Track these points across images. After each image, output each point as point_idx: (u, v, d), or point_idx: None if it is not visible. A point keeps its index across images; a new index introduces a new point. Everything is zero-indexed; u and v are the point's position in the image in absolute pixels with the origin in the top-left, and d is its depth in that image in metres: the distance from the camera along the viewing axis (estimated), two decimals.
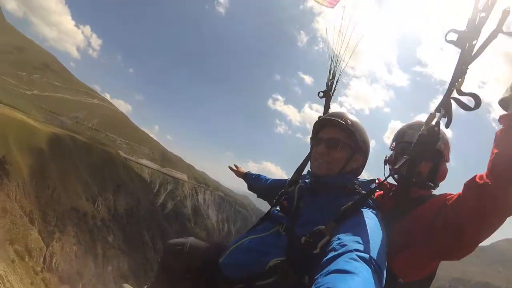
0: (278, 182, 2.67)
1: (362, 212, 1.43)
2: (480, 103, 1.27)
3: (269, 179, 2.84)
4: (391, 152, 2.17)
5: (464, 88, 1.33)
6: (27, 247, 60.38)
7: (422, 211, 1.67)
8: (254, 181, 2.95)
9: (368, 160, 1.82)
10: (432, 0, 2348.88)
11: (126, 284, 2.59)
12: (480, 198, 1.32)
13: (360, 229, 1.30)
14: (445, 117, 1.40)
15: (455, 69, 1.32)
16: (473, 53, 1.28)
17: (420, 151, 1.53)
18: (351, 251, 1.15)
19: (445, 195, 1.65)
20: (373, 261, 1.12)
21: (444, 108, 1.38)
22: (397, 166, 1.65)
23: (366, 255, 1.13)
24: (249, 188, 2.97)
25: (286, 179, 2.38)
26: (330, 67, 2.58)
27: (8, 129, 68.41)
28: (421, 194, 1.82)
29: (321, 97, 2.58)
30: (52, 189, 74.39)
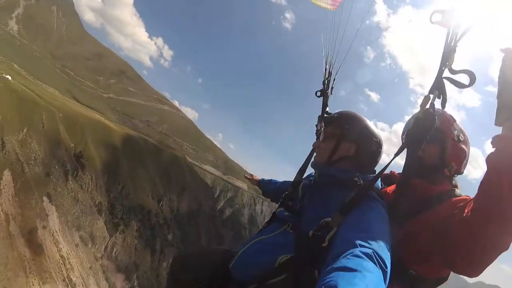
0: (287, 184, 2.59)
1: (366, 203, 1.43)
2: (475, 79, 1.24)
3: (279, 182, 2.86)
4: None
5: (456, 66, 1.30)
6: (91, 234, 65.29)
7: (437, 211, 1.60)
8: (267, 186, 2.96)
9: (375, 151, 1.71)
10: None
11: None
12: (468, 231, 1.31)
13: (364, 223, 1.31)
14: (440, 98, 1.37)
15: (443, 48, 1.30)
16: (459, 33, 1.26)
17: (418, 135, 1.47)
18: (355, 247, 1.14)
19: (461, 200, 1.59)
20: (376, 257, 1.10)
21: (438, 89, 1.35)
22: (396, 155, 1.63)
23: (370, 251, 1.11)
24: (263, 194, 2.99)
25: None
26: (326, 66, 2.58)
27: (86, 127, 76.15)
28: (439, 190, 1.70)
29: (318, 96, 2.56)
30: (122, 185, 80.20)
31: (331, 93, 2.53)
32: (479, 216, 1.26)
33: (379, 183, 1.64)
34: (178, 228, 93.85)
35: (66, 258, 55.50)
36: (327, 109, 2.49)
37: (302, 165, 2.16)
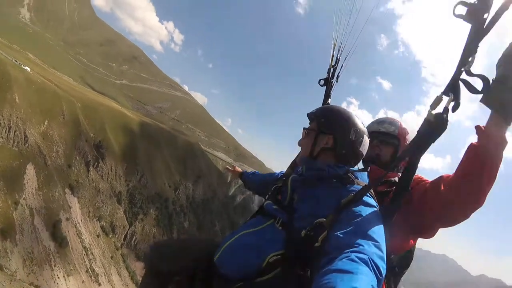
0: (273, 176, 2.47)
1: (363, 204, 1.39)
2: (490, 86, 1.16)
3: (264, 174, 2.71)
4: None
5: (473, 69, 1.18)
6: (112, 224, 65.21)
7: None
8: (250, 179, 2.77)
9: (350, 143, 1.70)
10: None
11: None
12: (433, 199, 1.54)
13: (361, 226, 1.27)
14: (453, 101, 1.24)
15: (464, 47, 1.18)
16: (485, 26, 1.15)
17: (425, 141, 1.36)
18: (350, 252, 1.12)
19: (415, 179, 1.77)
20: (372, 264, 1.08)
21: (453, 92, 1.22)
22: (401, 154, 1.76)
23: (366, 257, 1.09)
24: (246, 187, 2.83)
25: (281, 172, 2.32)
26: (333, 52, 2.43)
27: (105, 116, 75.10)
28: (391, 178, 1.94)
29: (321, 85, 2.43)
30: (140, 174, 79.76)
31: (337, 81, 2.40)
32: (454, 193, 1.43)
33: (365, 176, 1.66)
34: (194, 215, 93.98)
35: (88, 249, 55.45)
36: (329, 100, 2.39)
37: (294, 159, 2.10)
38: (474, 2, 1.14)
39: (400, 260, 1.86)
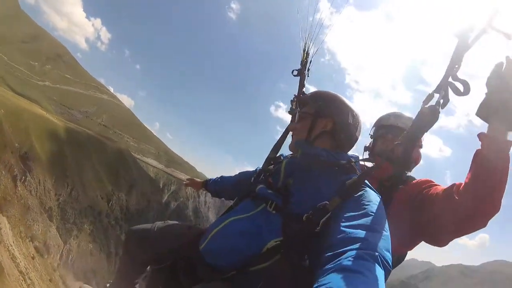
0: (248, 173, 2.26)
1: (366, 190, 1.33)
2: (469, 90, 1.31)
3: (235, 175, 2.46)
4: (370, 140, 2.23)
5: (459, 74, 1.38)
6: (45, 243, 58.24)
7: (403, 192, 1.76)
8: (217, 184, 2.55)
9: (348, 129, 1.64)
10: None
11: (86, 285, 2.24)
12: (454, 212, 1.47)
13: (367, 214, 1.18)
14: (442, 99, 1.39)
15: (452, 56, 1.36)
16: (469, 42, 1.32)
17: (420, 130, 1.46)
18: (358, 248, 1.01)
19: (425, 181, 1.77)
20: (381, 257, 1.00)
21: (444, 90, 1.37)
22: (396, 143, 1.65)
23: (375, 253, 1.00)
24: (213, 195, 2.57)
25: (256, 169, 2.03)
26: (304, 46, 2.49)
27: (31, 124, 66.70)
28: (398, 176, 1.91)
29: (295, 75, 2.48)
30: (71, 186, 72.39)
31: (308, 75, 2.49)
32: (467, 200, 1.41)
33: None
34: (129, 226, 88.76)
35: (25, 273, 48.92)
36: (304, 89, 2.43)
37: (276, 143, 2.04)
38: (463, 21, 1.34)
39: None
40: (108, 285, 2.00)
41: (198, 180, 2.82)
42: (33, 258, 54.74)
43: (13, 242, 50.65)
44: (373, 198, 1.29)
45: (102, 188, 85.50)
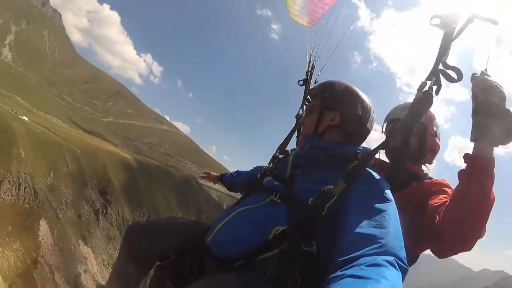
0: (261, 168, 2.12)
1: (372, 174, 1.33)
2: (462, 76, 1.35)
3: (250, 170, 2.44)
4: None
5: (449, 62, 1.43)
6: None
7: (414, 190, 1.71)
8: (233, 179, 2.62)
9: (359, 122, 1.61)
10: None
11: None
12: (433, 230, 1.45)
13: (377, 208, 1.16)
14: (435, 85, 1.44)
15: (440, 46, 1.42)
16: (454, 34, 1.39)
17: (415, 115, 1.47)
18: (372, 253, 0.97)
19: (437, 183, 1.71)
20: (397, 260, 0.96)
21: (435, 76, 1.42)
22: (394, 130, 1.63)
23: (390, 256, 0.96)
24: (228, 189, 2.66)
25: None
26: (310, 59, 2.56)
27: (106, 161, 72.51)
28: (414, 171, 1.85)
29: (300, 85, 2.55)
30: (146, 215, 75.93)
31: (315, 83, 2.48)
32: (450, 219, 1.35)
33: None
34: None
35: None
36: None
37: (285, 139, 2.12)
38: (445, 14, 1.38)
39: None
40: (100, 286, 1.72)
41: (215, 173, 2.89)
42: None
43: (97, 271, 53.78)
44: (380, 183, 1.29)
45: (174, 215, 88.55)
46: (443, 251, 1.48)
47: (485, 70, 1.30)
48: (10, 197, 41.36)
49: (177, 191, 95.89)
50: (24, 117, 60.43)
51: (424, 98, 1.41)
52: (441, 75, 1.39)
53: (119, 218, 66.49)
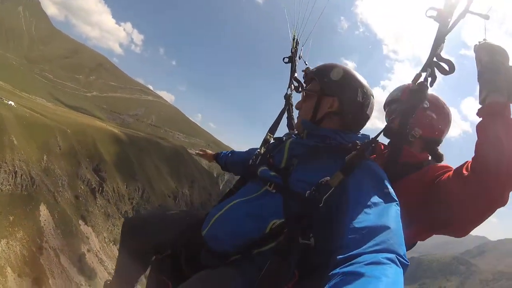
0: (255, 150, 2.06)
1: (367, 162, 1.29)
2: (454, 69, 1.37)
3: (244, 152, 2.33)
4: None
5: (443, 54, 1.44)
6: None
7: (417, 177, 1.61)
8: (228, 159, 2.47)
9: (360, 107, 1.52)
10: None
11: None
12: (466, 191, 1.33)
13: (377, 203, 1.11)
14: (430, 77, 1.43)
15: (435, 38, 1.42)
16: (448, 27, 1.38)
17: (411, 104, 1.48)
18: (373, 250, 0.94)
19: (442, 167, 1.61)
20: (398, 257, 0.93)
21: (430, 68, 1.41)
22: (391, 119, 1.64)
23: (391, 254, 0.93)
24: (223, 168, 2.52)
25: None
26: (294, 34, 2.46)
27: (95, 138, 71.21)
28: (419, 159, 1.72)
29: (286, 62, 2.48)
30: (141, 190, 77.30)
31: (300, 59, 2.43)
32: (482, 174, 1.25)
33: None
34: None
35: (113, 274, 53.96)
36: (296, 75, 2.38)
37: (275, 120, 2.04)
38: (442, 8, 1.39)
39: None
40: (108, 282, 1.84)
41: (210, 152, 2.77)
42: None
43: (100, 248, 55.84)
44: (379, 175, 1.24)
45: (168, 186, 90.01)
46: (467, 222, 1.39)
47: (484, 39, 1.34)
48: (7, 186, 41.21)
49: (168, 162, 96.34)
50: (10, 102, 57.64)
51: (420, 90, 1.43)
52: (435, 68, 1.40)
53: (115, 195, 67.36)
